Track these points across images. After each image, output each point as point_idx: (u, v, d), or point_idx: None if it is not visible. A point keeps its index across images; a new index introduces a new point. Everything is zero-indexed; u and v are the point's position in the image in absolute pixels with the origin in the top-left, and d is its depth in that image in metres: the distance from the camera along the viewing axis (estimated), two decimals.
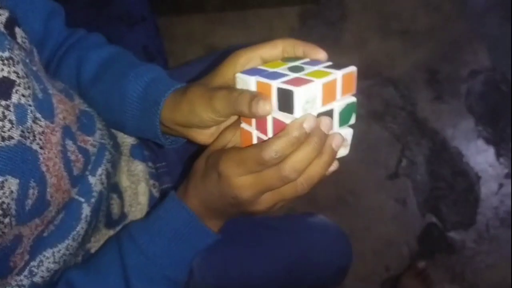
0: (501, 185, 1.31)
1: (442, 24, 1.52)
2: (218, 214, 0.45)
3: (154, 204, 0.63)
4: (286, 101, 0.35)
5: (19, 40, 0.44)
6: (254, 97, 0.37)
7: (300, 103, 0.35)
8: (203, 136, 0.46)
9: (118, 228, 0.56)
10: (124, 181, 0.59)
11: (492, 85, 1.44)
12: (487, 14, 1.52)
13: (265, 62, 0.42)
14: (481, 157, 1.35)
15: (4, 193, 0.36)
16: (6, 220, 0.37)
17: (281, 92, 0.35)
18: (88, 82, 0.55)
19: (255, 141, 0.40)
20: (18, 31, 0.44)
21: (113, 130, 0.60)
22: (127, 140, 0.62)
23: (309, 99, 0.35)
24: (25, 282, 0.44)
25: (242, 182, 0.39)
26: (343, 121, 0.39)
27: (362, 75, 1.51)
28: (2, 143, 0.37)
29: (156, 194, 0.64)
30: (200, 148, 0.46)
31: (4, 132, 0.37)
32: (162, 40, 0.98)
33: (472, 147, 1.36)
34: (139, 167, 0.62)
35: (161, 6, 1.19)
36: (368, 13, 1.56)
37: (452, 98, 1.42)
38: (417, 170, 1.32)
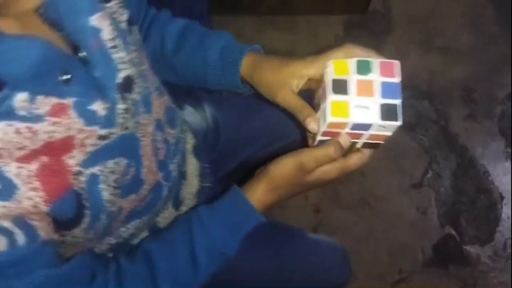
0: None
1: (484, 45, 1.55)
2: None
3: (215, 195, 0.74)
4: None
5: (136, 37, 0.54)
6: (308, 116, 0.51)
7: None
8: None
9: (181, 208, 0.67)
10: (188, 173, 0.70)
11: None
12: None
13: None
14: (507, 178, 1.38)
15: (119, 170, 0.46)
16: (117, 191, 0.47)
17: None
18: (171, 53, 0.65)
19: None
20: (134, 29, 0.54)
21: (183, 129, 0.71)
22: (191, 141, 0.73)
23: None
24: (113, 241, 0.56)
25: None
26: None
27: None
28: (123, 131, 0.46)
29: (200, 188, 0.74)
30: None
31: (126, 122, 0.47)
32: None
33: (499, 168, 1.39)
34: (196, 165, 0.72)
35: (217, 6, 1.30)
36: (412, 27, 1.62)
37: (485, 118, 1.46)
38: (442, 183, 1.38)
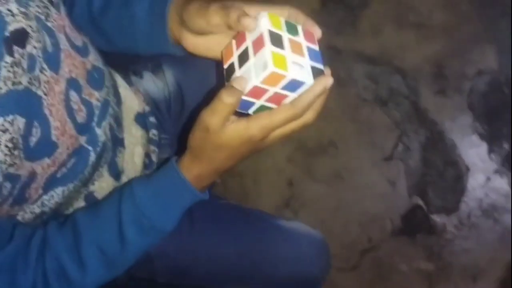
0: (488, 179, 1.40)
1: (457, 23, 1.58)
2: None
3: (156, 167, 0.70)
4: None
5: None
6: (244, 13, 0.46)
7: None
8: (192, 41, 0.54)
9: (122, 179, 0.65)
10: (126, 140, 0.67)
11: (495, 87, 1.51)
12: (501, 18, 1.57)
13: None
14: (473, 151, 1.43)
15: (13, 129, 0.43)
16: (16, 152, 0.44)
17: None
18: (99, 13, 0.61)
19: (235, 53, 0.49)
20: None
21: (120, 92, 0.67)
22: (134, 108, 0.70)
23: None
24: (37, 210, 0.53)
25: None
26: None
27: (373, 61, 1.59)
28: (12, 87, 0.43)
29: (155, 159, 0.72)
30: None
31: (15, 77, 0.43)
32: None
33: (466, 141, 1.44)
34: (139, 133, 0.69)
35: None
36: (387, 3, 1.63)
37: (455, 94, 1.50)
38: (411, 155, 1.42)
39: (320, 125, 1.41)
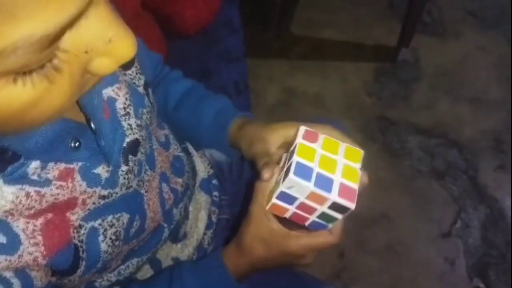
0: None
1: None
2: (263, 267, 0.55)
3: (211, 236, 0.73)
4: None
5: (151, 99, 0.57)
6: (267, 163, 0.50)
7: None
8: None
9: (180, 243, 0.68)
10: (191, 209, 0.70)
11: None
12: None
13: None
14: None
15: (119, 224, 0.48)
16: (117, 243, 0.49)
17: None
18: (172, 110, 0.68)
19: (288, 215, 0.51)
20: (150, 92, 0.57)
21: (196, 170, 0.72)
22: (200, 175, 0.74)
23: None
24: (113, 278, 0.57)
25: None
26: None
27: (427, 134, 1.56)
28: (126, 190, 0.49)
29: (214, 220, 0.74)
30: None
31: (129, 182, 0.49)
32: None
33: None
34: (203, 198, 0.72)
35: (250, 49, 1.36)
36: (441, 77, 1.64)
37: None
38: (470, 233, 1.35)
39: (372, 195, 1.38)
